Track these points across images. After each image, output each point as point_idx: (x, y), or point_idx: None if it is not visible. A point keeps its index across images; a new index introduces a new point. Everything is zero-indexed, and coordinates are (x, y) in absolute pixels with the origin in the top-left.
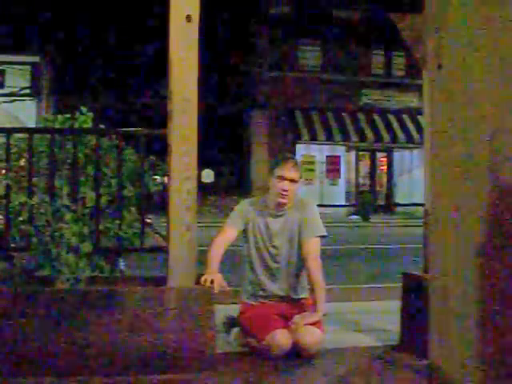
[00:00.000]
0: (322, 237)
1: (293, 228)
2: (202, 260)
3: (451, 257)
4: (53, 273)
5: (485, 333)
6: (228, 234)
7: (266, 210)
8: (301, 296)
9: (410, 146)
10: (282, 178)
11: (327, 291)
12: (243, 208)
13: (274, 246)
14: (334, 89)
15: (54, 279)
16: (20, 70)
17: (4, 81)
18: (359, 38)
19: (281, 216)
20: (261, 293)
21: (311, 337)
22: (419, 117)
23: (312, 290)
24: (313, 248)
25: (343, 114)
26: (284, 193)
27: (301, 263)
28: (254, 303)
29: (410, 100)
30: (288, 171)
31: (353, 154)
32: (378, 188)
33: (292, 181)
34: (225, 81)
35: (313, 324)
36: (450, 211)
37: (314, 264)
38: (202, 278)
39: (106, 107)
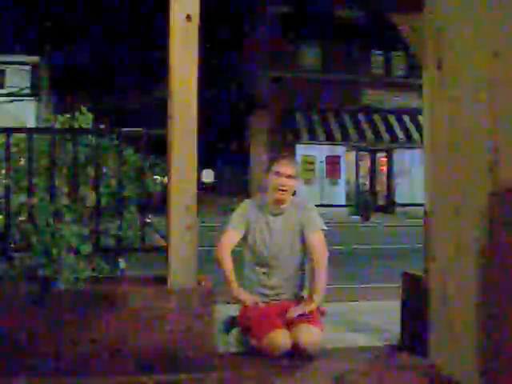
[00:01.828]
0: (323, 230)
1: (294, 227)
2: (201, 260)
3: (451, 257)
4: (53, 273)
5: (484, 332)
6: (232, 238)
7: (266, 208)
8: (301, 295)
9: (410, 146)
10: (279, 174)
11: (328, 291)
12: (244, 209)
13: (274, 245)
14: (334, 89)
15: (54, 279)
16: (20, 70)
17: (4, 81)
18: (359, 38)
19: (281, 215)
20: (261, 292)
21: (311, 336)
22: (419, 117)
23: (312, 278)
24: (319, 239)
25: (343, 114)
26: (282, 188)
27: (301, 262)
28: None
29: (410, 100)
30: (284, 167)
31: (353, 154)
32: (378, 188)
33: (289, 176)
34: (225, 81)
35: (313, 323)
36: (449, 211)
37: (320, 253)
38: (239, 297)
39: (106, 107)
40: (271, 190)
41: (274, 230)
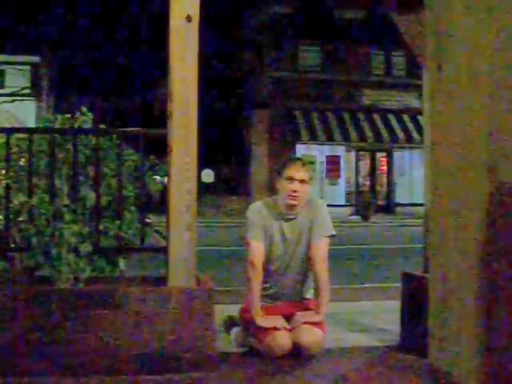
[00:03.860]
0: (331, 236)
1: (303, 228)
2: (201, 260)
3: (451, 257)
4: (53, 273)
5: (484, 333)
6: (260, 252)
7: (279, 214)
8: (304, 296)
9: (410, 145)
10: (292, 180)
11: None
12: (258, 216)
13: (286, 251)
14: (334, 89)
15: (54, 279)
16: (20, 70)
17: (4, 81)
18: (359, 37)
19: (294, 220)
20: (264, 292)
21: (311, 337)
22: (419, 117)
23: (316, 291)
24: (321, 249)
25: (343, 113)
26: (294, 194)
27: (307, 263)
28: None
29: (410, 100)
30: (297, 172)
31: (353, 154)
32: (377, 188)
33: (302, 181)
34: (225, 81)
35: (314, 324)
36: (449, 211)
37: (321, 266)
38: (263, 325)
39: (106, 107)
40: (283, 196)
41: (287, 237)
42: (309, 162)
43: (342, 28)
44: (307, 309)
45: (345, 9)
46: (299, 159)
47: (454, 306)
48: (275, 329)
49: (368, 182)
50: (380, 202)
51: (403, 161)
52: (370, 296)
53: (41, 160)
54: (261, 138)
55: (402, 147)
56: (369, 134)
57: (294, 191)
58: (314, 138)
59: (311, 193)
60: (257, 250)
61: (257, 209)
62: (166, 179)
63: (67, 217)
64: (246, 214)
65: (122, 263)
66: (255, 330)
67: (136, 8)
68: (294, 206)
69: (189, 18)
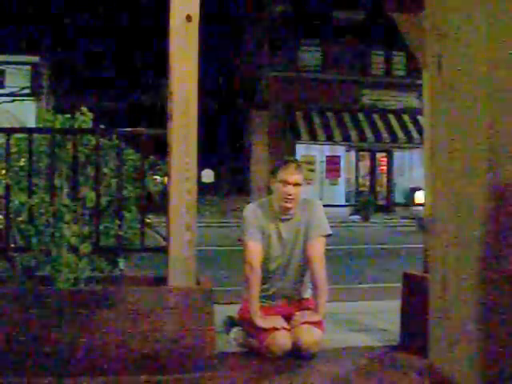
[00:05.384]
0: (328, 235)
1: (299, 229)
2: (201, 260)
3: (451, 257)
4: (53, 273)
5: (484, 333)
6: (257, 252)
7: (275, 214)
8: (303, 296)
9: (410, 145)
10: (286, 183)
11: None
12: (254, 216)
13: (283, 252)
14: (334, 89)
15: (54, 279)
16: (20, 70)
17: (4, 81)
18: (359, 38)
19: (290, 220)
20: (263, 293)
21: (311, 337)
22: (419, 117)
23: (314, 291)
24: (318, 248)
25: (343, 113)
26: (289, 197)
27: (305, 263)
28: None
29: (410, 100)
30: (291, 175)
31: (353, 154)
32: (377, 188)
33: (296, 184)
34: (225, 80)
35: (313, 324)
36: (450, 211)
37: (319, 265)
38: (263, 325)
39: (106, 107)
40: (278, 199)
41: (284, 237)
42: (309, 162)
43: (341, 28)
44: (306, 308)
45: (345, 9)
46: (294, 161)
47: (454, 306)
48: (275, 329)
49: (368, 182)
50: (380, 202)
51: (403, 161)
52: (370, 296)
53: (41, 160)
54: (261, 138)
55: (401, 147)
56: (369, 134)
57: (289, 195)
58: (314, 138)
59: (310, 193)
60: (254, 250)
61: (252, 209)
62: (166, 179)
63: (67, 217)
64: (242, 214)
65: (121, 263)
66: (255, 331)
67: (136, 8)
68: (289, 208)
69: (189, 18)
